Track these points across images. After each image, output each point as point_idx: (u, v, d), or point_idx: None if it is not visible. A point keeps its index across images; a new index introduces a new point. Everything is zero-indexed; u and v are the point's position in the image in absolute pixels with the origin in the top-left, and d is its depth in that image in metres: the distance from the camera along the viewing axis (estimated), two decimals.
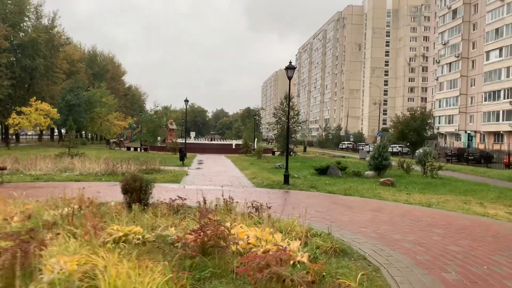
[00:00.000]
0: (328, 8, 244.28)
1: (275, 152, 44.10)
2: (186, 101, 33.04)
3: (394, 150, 61.27)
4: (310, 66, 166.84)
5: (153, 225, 7.57)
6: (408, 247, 7.11)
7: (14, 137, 49.56)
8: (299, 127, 45.03)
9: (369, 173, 20.58)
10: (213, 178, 17.90)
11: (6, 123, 40.35)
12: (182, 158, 24.57)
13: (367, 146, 70.29)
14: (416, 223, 9.25)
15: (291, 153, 42.30)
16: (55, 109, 37.62)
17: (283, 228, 7.46)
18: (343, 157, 45.31)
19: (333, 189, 14.88)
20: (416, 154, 50.64)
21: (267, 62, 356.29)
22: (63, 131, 59.72)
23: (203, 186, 15.12)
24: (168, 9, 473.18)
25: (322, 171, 20.57)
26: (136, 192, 9.88)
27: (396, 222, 9.34)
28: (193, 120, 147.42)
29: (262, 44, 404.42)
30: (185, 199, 9.54)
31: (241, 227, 6.84)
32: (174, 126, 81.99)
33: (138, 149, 44.55)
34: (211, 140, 76.79)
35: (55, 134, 68.84)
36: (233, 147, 45.56)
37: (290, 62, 15.52)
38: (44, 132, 68.79)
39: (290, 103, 43.72)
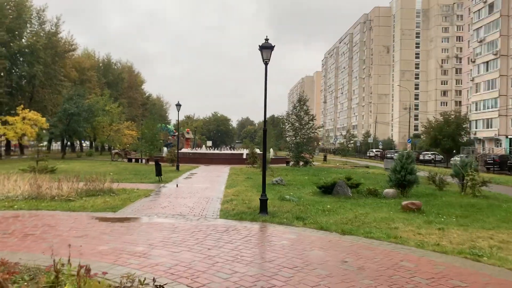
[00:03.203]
0: (353, 13, 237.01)
1: (289, 162, 39.33)
2: (179, 105, 28.84)
3: (426, 157, 55.61)
4: (336, 71, 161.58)
5: None
6: None
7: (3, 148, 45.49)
8: (315, 133, 40.02)
9: (389, 191, 15.65)
10: (174, 202, 13.45)
11: None
12: (158, 172, 20.25)
13: (395, 154, 64.59)
14: None
15: (307, 163, 37.50)
16: (44, 118, 34.17)
17: None
18: (367, 166, 40.19)
19: (329, 222, 10.13)
20: (451, 162, 45.05)
21: (293, 71, 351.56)
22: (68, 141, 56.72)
23: (142, 216, 10.73)
24: (195, 22, 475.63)
25: (327, 189, 15.78)
26: None
27: None
28: (216, 129, 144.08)
29: (287, 54, 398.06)
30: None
31: None
32: (190, 135, 78.52)
33: (140, 160, 40.73)
34: (231, 149, 72.54)
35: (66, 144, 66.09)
36: (244, 156, 41.01)
37: (267, 40, 10.95)
38: (53, 142, 66.51)
39: (305, 107, 39.11)
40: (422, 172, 20.09)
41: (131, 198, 13.93)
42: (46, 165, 23.82)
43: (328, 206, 12.82)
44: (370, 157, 73.72)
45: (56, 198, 12.89)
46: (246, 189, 16.84)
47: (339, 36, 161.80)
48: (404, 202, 12.74)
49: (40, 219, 10.11)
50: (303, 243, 8.11)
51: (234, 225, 9.71)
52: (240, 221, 10.28)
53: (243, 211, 11.44)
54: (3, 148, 50.81)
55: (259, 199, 11.18)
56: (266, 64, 11.04)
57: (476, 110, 67.75)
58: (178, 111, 29.86)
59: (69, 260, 4.87)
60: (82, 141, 74.85)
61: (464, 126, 61.80)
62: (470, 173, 17.03)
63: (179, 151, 52.13)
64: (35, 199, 12.76)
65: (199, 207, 12.46)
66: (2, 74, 45.41)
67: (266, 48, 10.84)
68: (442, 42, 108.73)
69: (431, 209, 12.62)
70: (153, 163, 39.41)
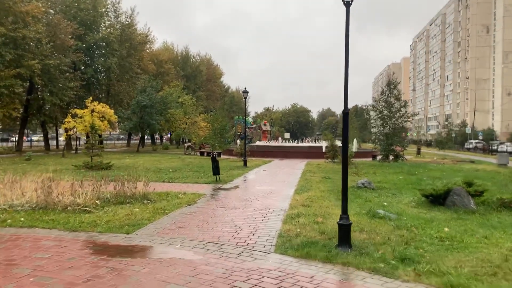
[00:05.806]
0: None
1: (376, 156, 34.28)
2: (246, 92, 25.43)
3: None
4: (427, 56, 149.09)
5: None
6: None
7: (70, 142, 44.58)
8: (408, 123, 34.32)
9: None
10: (219, 216, 9.78)
11: (62, 127, 36.68)
12: (216, 171, 16.75)
13: (502, 146, 55.83)
14: None
15: (398, 157, 32.21)
16: (112, 111, 32.72)
17: None
18: (472, 161, 33.78)
19: (461, 271, 5.77)
20: None
21: (376, 60, 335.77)
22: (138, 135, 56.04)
23: (159, 244, 7.18)
24: (276, 15, 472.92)
25: (436, 198, 11.19)
26: None
27: None
28: (296, 120, 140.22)
29: (369, 43, 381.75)
30: None
31: None
32: (267, 127, 75.37)
33: (210, 154, 38.08)
34: (314, 142, 68.13)
35: (146, 138, 66.23)
36: (323, 150, 36.62)
37: None
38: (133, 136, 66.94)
39: (395, 91, 33.69)
40: None
41: (167, 207, 10.54)
42: (101, 161, 21.65)
43: (446, 229, 8.36)
44: (468, 149, 65.09)
45: (69, 208, 9.87)
46: (321, 195, 12.74)
47: (429, 18, 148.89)
48: None
49: (12, 247, 6.96)
50: None
51: (293, 272, 5.75)
52: (306, 261, 6.29)
53: (313, 240, 7.42)
54: (81, 142, 51.31)
55: (338, 223, 7.06)
56: (347, 5, 6.90)
57: None
58: (245, 99, 26.46)
59: None
60: (164, 134, 75.01)
61: None
62: None
63: (254, 143, 49.18)
64: (43, 209, 9.86)
65: (250, 226, 8.66)
66: (82, 67, 45.42)
67: None
68: None
69: None
70: (225, 156, 36.65)
